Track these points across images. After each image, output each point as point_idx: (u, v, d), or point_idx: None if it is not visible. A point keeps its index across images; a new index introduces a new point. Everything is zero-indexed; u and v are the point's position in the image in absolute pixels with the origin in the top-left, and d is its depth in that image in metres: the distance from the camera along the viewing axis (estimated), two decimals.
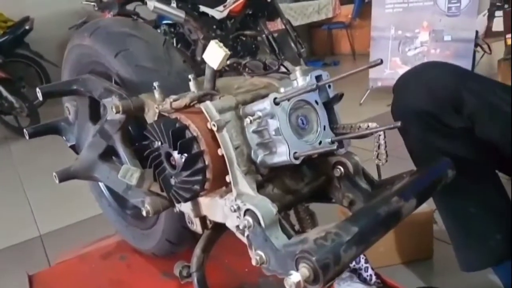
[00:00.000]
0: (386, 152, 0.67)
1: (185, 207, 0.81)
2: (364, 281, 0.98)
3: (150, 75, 0.89)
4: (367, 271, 0.99)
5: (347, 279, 0.98)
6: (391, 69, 3.06)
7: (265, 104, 0.66)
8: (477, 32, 2.78)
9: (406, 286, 0.97)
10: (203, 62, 0.80)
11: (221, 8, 3.57)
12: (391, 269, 1.28)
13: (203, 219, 0.82)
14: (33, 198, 2.30)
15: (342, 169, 0.76)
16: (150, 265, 1.15)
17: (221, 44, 0.69)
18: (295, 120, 0.69)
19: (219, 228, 0.82)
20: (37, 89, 0.85)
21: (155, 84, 0.78)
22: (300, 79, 0.72)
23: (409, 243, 1.30)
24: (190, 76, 0.76)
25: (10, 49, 3.99)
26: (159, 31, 3.80)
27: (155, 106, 0.78)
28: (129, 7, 4.17)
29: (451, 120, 0.79)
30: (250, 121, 0.65)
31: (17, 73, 4.13)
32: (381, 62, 0.59)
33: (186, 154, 0.68)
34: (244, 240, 0.66)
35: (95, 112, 0.98)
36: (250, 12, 3.82)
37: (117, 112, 0.79)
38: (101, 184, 1.24)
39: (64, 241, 1.78)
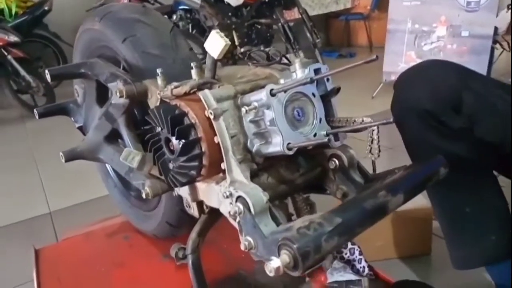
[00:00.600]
0: (379, 147, 0.68)
1: (183, 191, 0.84)
2: (357, 272, 1.00)
3: (156, 62, 0.91)
4: (361, 263, 1.01)
5: (340, 269, 0.99)
6: (406, 63, 3.03)
7: (262, 95, 0.67)
8: (496, 28, 2.72)
9: (398, 279, 0.99)
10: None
11: None
12: (387, 263, 1.29)
13: (200, 204, 0.84)
14: (45, 176, 2.37)
15: (337, 161, 0.77)
16: (151, 247, 1.19)
17: (222, 34, 0.70)
18: (291, 112, 0.70)
19: (216, 214, 0.84)
20: (46, 71, 0.88)
21: (159, 70, 0.80)
22: (299, 71, 0.73)
23: (407, 238, 1.31)
24: (192, 64, 0.77)
25: (29, 29, 4.05)
26: (175, 16, 3.82)
27: (157, 92, 0.80)
28: None
29: (451, 120, 0.79)
30: (246, 110, 0.66)
31: (35, 53, 4.20)
32: (377, 58, 0.60)
33: (183, 140, 0.70)
34: (236, 225, 0.68)
35: (102, 95, 1.00)
36: (266, 0, 3.80)
37: (121, 96, 0.81)
38: (107, 165, 1.27)
39: (73, 219, 1.84)
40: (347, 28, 6.01)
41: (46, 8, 4.10)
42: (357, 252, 1.02)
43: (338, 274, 0.99)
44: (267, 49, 0.91)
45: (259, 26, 3.74)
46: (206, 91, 0.70)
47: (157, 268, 1.10)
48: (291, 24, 4.03)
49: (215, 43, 0.70)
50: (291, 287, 0.99)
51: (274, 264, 0.51)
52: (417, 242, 1.31)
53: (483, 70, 2.55)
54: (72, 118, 1.10)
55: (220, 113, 0.68)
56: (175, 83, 0.76)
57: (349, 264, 1.02)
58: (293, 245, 0.50)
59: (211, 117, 0.68)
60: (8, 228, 1.82)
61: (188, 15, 3.84)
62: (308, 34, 4.03)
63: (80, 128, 1.09)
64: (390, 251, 1.31)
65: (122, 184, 1.26)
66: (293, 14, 4.22)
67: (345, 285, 0.95)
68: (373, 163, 0.77)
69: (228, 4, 3.57)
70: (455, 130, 0.80)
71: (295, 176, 0.78)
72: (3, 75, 3.57)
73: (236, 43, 3.24)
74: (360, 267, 1.00)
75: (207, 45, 0.72)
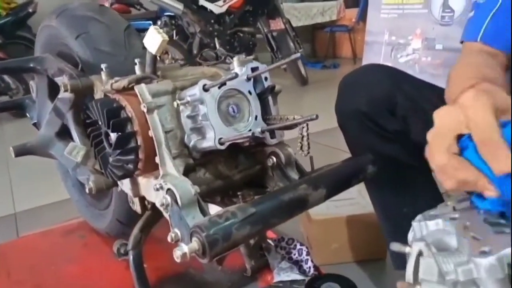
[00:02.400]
0: (308, 143, 0.69)
1: (125, 187, 0.84)
2: (303, 272, 1.01)
3: (107, 59, 0.92)
4: (307, 263, 1.02)
5: (287, 269, 1.00)
6: None
7: (195, 90, 0.69)
8: None
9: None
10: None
11: (220, 3, 3.59)
12: (341, 266, 1.30)
13: (142, 200, 0.85)
14: (15, 177, 2.34)
15: (274, 159, 0.78)
16: (105, 245, 1.18)
17: (160, 30, 0.72)
18: (226, 108, 0.72)
19: (159, 210, 0.85)
20: None
21: (103, 66, 0.81)
22: (237, 69, 0.75)
23: (363, 241, 1.32)
24: (136, 60, 0.79)
25: (12, 31, 4.03)
26: (159, 22, 3.84)
27: (101, 87, 0.82)
28: None
29: (387, 122, 0.81)
30: (177, 104, 0.68)
31: (17, 54, 4.15)
32: (300, 56, 0.62)
33: (119, 133, 0.71)
34: (168, 218, 0.69)
35: (55, 91, 1.01)
36: (250, 9, 3.84)
37: (65, 90, 0.82)
38: None
39: (38, 220, 1.81)
40: (332, 40, 6.09)
41: (30, 10, 4.09)
42: (304, 253, 1.04)
43: (284, 274, 1.00)
44: (216, 50, 0.93)
45: (241, 34, 3.78)
46: (142, 85, 0.71)
47: (108, 266, 1.09)
48: (275, 33, 4.09)
49: (153, 39, 0.72)
50: (238, 286, 1.00)
51: (181, 250, 0.52)
52: (373, 246, 1.32)
53: None
54: (27, 114, 1.10)
55: (154, 107, 0.70)
56: (116, 78, 0.77)
57: (297, 264, 1.04)
58: (202, 232, 0.51)
59: (144, 110, 0.69)
60: None
61: (173, 21, 3.86)
62: (291, 44, 4.09)
63: (34, 125, 1.09)
64: (346, 254, 1.32)
65: (79, 183, 1.26)
66: (278, 24, 4.26)
67: (289, 285, 0.96)
68: (311, 160, 0.78)
69: (211, 11, 3.61)
70: (391, 132, 0.81)
71: (233, 173, 0.79)
72: None
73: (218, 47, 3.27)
74: (307, 268, 1.01)
75: (146, 41, 0.73)
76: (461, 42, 0.76)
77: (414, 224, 0.47)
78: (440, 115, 0.49)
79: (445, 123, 0.48)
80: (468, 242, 0.38)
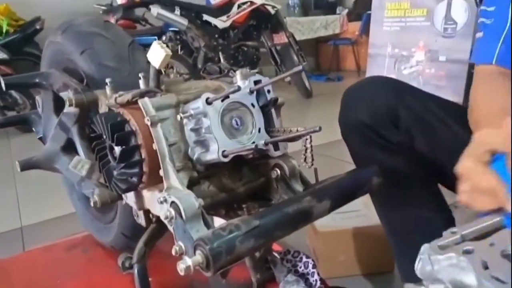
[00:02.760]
0: (312, 155, 0.69)
1: (130, 200, 0.84)
2: (310, 286, 1.00)
3: (112, 73, 0.93)
4: (314, 276, 1.00)
5: (293, 282, 0.99)
6: None
7: (199, 103, 0.69)
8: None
9: None
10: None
11: (224, 18, 3.64)
12: (348, 279, 1.29)
13: (147, 213, 0.84)
14: (22, 191, 2.35)
15: (278, 171, 0.78)
16: (110, 260, 1.18)
17: (163, 45, 0.72)
18: (229, 120, 0.72)
19: (164, 224, 0.85)
20: (0, 79, 0.90)
21: (107, 80, 0.82)
22: (240, 82, 0.75)
23: (370, 254, 1.31)
24: (140, 75, 0.79)
25: (20, 47, 4.10)
26: (164, 37, 3.89)
27: (106, 101, 0.82)
28: (139, 12, 4.28)
29: (390, 134, 0.81)
30: (181, 117, 0.68)
31: (25, 70, 4.21)
32: (302, 69, 0.62)
33: (123, 147, 0.71)
34: (172, 231, 0.69)
35: (60, 106, 1.02)
36: (254, 24, 3.89)
37: (70, 105, 0.83)
38: None
39: (44, 234, 1.82)
40: (335, 53, 6.13)
41: (37, 27, 4.16)
42: (310, 266, 1.02)
43: (291, 287, 0.98)
44: (219, 64, 0.94)
45: (245, 49, 3.82)
46: (146, 99, 0.72)
47: (112, 280, 1.09)
48: (278, 47, 4.13)
49: (156, 54, 0.73)
50: None
51: (185, 263, 0.52)
52: (380, 259, 1.31)
53: (460, 94, 2.59)
54: (33, 129, 1.11)
55: (158, 120, 0.70)
56: (121, 92, 0.78)
57: (303, 277, 1.02)
58: (206, 245, 0.51)
59: (148, 123, 0.69)
60: None
61: (177, 37, 3.91)
62: (295, 57, 4.12)
63: (40, 139, 1.10)
64: (353, 267, 1.31)
65: (85, 197, 1.26)
66: (281, 38, 4.31)
67: None
68: (315, 172, 0.78)
69: (215, 26, 3.66)
70: (395, 144, 0.81)
71: (237, 185, 0.79)
72: None
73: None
74: (313, 281, 1.00)
75: (149, 55, 0.74)
76: (472, 63, 0.78)
77: (422, 257, 0.44)
78: (481, 132, 0.49)
79: (484, 138, 0.48)
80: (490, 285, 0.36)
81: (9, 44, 3.94)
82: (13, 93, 3.59)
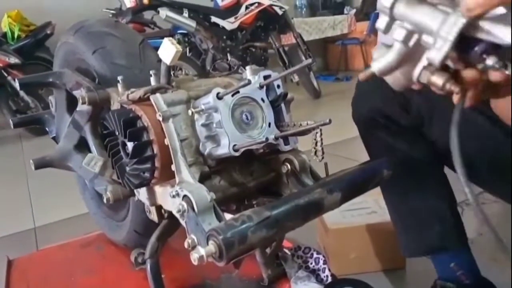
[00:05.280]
0: (322, 149, 0.70)
1: (142, 196, 0.85)
2: (321, 281, 1.00)
3: (123, 72, 0.94)
4: (325, 272, 1.01)
5: (304, 278, 1.00)
6: None
7: (209, 99, 0.70)
8: None
9: None
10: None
11: (232, 19, 3.65)
12: (359, 277, 1.28)
13: (159, 209, 0.85)
14: (35, 191, 2.39)
15: (289, 166, 0.79)
16: (123, 256, 1.19)
17: (174, 41, 0.73)
18: (239, 115, 0.73)
19: (175, 219, 0.86)
20: (16, 80, 0.91)
21: (119, 78, 0.83)
22: (250, 77, 0.76)
23: (380, 251, 1.30)
24: (151, 72, 0.81)
25: (31, 52, 4.16)
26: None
27: (118, 98, 0.84)
28: (147, 15, 4.31)
29: (400, 117, 0.83)
30: (192, 112, 0.69)
31: None
32: (313, 61, 0.63)
33: (136, 142, 0.72)
34: (184, 225, 0.70)
35: (73, 105, 1.03)
36: (262, 25, 3.90)
37: (83, 103, 0.84)
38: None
39: (57, 234, 1.84)
40: (344, 53, 6.11)
41: (48, 32, 4.22)
42: (321, 262, 1.03)
43: (302, 283, 0.99)
44: (229, 61, 0.95)
45: (253, 50, 3.83)
46: (158, 95, 0.73)
47: (126, 277, 1.10)
48: (286, 48, 4.13)
49: (168, 50, 0.74)
50: None
51: (198, 252, 0.52)
52: (391, 256, 1.30)
53: None
54: (46, 128, 1.13)
55: (169, 115, 0.71)
56: (132, 89, 0.79)
57: (314, 273, 1.03)
58: (218, 235, 0.51)
59: (160, 119, 0.70)
60: None
61: (186, 39, 3.93)
62: (303, 58, 4.12)
63: (53, 138, 1.12)
64: (364, 264, 1.31)
65: (97, 196, 1.28)
66: (289, 38, 4.31)
67: None
68: (326, 166, 0.78)
69: (223, 28, 3.67)
70: (403, 127, 0.83)
71: (247, 180, 0.80)
72: (2, 96, 3.66)
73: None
74: (324, 276, 1.00)
75: (160, 52, 0.75)
76: None
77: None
78: None
79: None
80: None
81: (21, 49, 4.00)
82: (25, 96, 3.65)
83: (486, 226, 0.41)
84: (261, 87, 0.75)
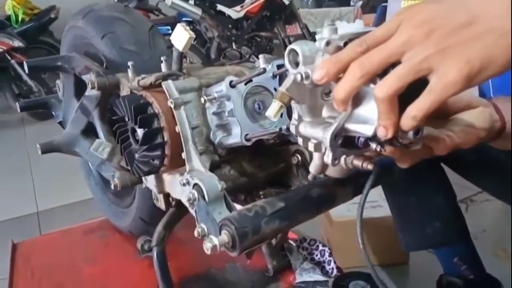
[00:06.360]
0: None
1: (150, 183, 0.85)
2: (326, 273, 1.00)
3: (132, 57, 0.93)
4: (330, 264, 1.01)
5: (309, 270, 0.99)
6: None
7: (222, 87, 0.69)
8: None
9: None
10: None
11: (238, 8, 3.62)
12: (364, 270, 1.28)
13: (167, 197, 0.85)
14: (38, 177, 2.39)
15: (299, 157, 0.78)
16: (127, 244, 1.19)
17: (187, 28, 0.72)
18: (252, 104, 0.71)
19: (183, 207, 0.85)
20: (24, 62, 0.90)
21: (129, 63, 0.82)
22: (263, 66, 0.74)
23: (385, 245, 1.30)
24: (162, 58, 0.79)
25: (35, 36, 4.13)
26: None
27: (128, 84, 0.82)
28: (152, 2, 4.28)
29: None
30: (204, 100, 0.68)
31: None
32: None
33: (146, 129, 0.71)
34: (194, 214, 0.69)
35: (81, 89, 1.02)
36: (267, 14, 3.87)
37: (93, 87, 0.83)
38: (90, 164, 1.29)
39: (60, 219, 1.85)
40: None
41: (52, 16, 4.19)
42: (327, 254, 1.03)
43: (307, 274, 0.99)
44: (240, 49, 0.94)
45: (259, 39, 3.80)
46: (169, 81, 0.72)
47: (130, 265, 1.10)
48: (292, 38, 4.10)
49: (180, 36, 0.72)
50: (260, 286, 0.99)
51: (211, 242, 0.52)
52: (396, 250, 1.30)
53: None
54: (53, 113, 1.12)
55: (181, 103, 0.70)
56: (143, 75, 0.78)
57: (319, 265, 1.02)
58: (232, 225, 0.51)
59: (172, 106, 0.69)
60: None
61: (191, 27, 3.91)
62: None
63: (60, 123, 1.11)
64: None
65: (102, 181, 1.27)
66: (295, 29, 4.28)
67: (312, 286, 0.95)
68: None
69: (229, 16, 3.64)
70: None
71: (257, 171, 0.79)
72: (5, 79, 3.64)
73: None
74: (329, 269, 1.00)
75: (173, 38, 0.74)
76: None
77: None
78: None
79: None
80: None
81: (25, 33, 3.97)
82: (28, 80, 3.63)
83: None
84: (274, 76, 0.73)
